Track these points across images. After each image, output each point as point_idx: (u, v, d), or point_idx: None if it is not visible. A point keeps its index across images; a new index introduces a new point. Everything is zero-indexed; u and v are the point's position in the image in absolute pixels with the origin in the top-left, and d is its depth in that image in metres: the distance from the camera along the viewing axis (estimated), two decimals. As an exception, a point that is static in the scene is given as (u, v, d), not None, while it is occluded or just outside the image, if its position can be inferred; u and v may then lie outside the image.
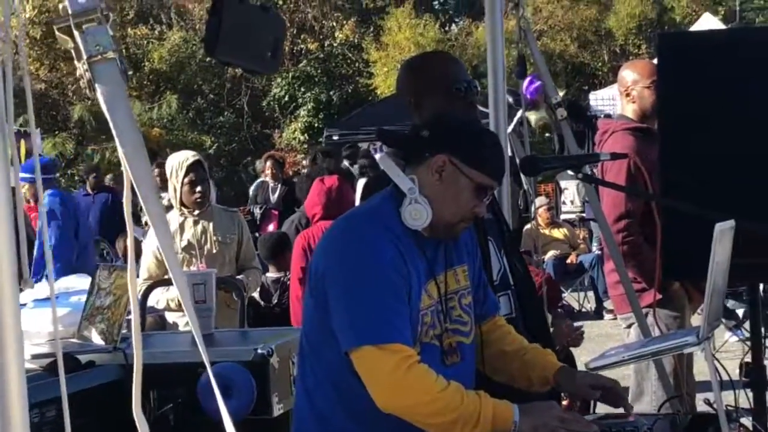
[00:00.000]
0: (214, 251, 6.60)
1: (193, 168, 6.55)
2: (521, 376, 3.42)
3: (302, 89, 28.98)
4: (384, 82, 27.44)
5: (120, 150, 1.79)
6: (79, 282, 6.08)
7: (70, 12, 1.91)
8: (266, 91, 29.89)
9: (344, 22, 31.15)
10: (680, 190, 4.38)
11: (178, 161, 6.59)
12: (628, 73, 5.64)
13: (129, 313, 4.82)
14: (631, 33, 30.86)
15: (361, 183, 12.69)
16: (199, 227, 6.60)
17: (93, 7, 1.92)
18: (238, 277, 6.60)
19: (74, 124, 27.73)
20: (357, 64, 30.32)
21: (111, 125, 1.80)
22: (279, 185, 14.46)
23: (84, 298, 4.88)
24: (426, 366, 3.01)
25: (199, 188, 6.56)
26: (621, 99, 5.70)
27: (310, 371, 3.23)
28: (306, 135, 28.33)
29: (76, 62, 1.84)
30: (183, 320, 6.30)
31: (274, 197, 14.38)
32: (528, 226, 13.45)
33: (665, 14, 31.37)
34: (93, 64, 1.84)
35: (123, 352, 4.43)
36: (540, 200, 14.91)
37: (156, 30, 31.50)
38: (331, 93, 28.91)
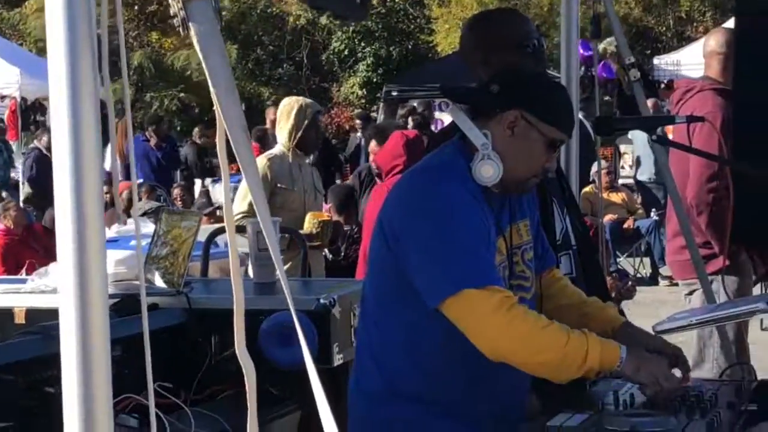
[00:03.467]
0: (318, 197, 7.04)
1: (317, 116, 7.02)
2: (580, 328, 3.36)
3: (362, 44, 28.87)
4: (445, 39, 27.24)
5: (212, 90, 1.79)
6: (142, 226, 6.12)
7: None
8: (326, 45, 29.82)
9: (407, -23, 30.99)
10: (754, 157, 4.33)
11: (302, 105, 6.84)
12: (722, 38, 5.54)
13: (191, 259, 4.85)
14: (697, -1, 30.43)
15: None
16: (308, 170, 6.97)
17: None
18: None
19: (133, 71, 27.84)
20: (418, 20, 30.14)
21: (203, 64, 1.80)
22: None
23: (148, 241, 4.91)
24: (526, 306, 2.98)
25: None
26: (710, 61, 5.57)
27: (375, 329, 3.19)
28: (364, 90, 28.27)
29: (170, 0, 1.82)
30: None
31: None
32: (586, 189, 13.34)
33: (732, -20, 30.85)
34: (187, 3, 1.84)
35: (186, 296, 4.44)
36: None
37: (218, -21, 31.49)
38: (391, 48, 28.80)
